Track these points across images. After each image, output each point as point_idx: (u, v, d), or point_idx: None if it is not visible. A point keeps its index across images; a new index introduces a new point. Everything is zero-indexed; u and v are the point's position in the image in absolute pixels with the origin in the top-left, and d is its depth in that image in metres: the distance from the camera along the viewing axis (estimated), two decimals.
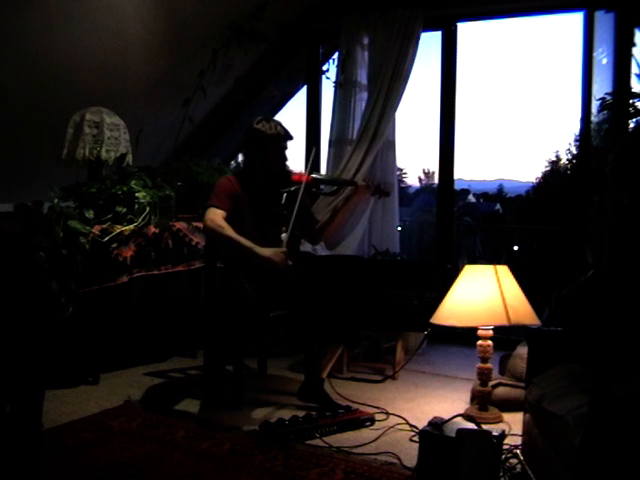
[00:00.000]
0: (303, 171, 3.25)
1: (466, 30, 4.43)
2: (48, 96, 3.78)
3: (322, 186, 3.66)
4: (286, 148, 3.25)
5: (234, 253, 3.04)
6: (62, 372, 3.22)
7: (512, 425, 2.77)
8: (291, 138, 3.25)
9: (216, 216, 2.99)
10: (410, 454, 2.44)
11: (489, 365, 2.92)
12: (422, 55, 4.34)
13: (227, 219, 3.01)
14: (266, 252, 2.94)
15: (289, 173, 3.26)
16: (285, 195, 3.12)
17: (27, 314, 2.32)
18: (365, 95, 4.48)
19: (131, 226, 3.40)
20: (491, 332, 2.91)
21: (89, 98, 3.83)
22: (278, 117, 5.28)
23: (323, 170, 4.50)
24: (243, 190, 3.15)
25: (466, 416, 2.68)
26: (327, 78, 4.70)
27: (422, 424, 2.31)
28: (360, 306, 3.54)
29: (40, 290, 2.88)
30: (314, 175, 3.30)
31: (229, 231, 2.96)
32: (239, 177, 3.22)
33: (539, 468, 2.12)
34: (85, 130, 3.66)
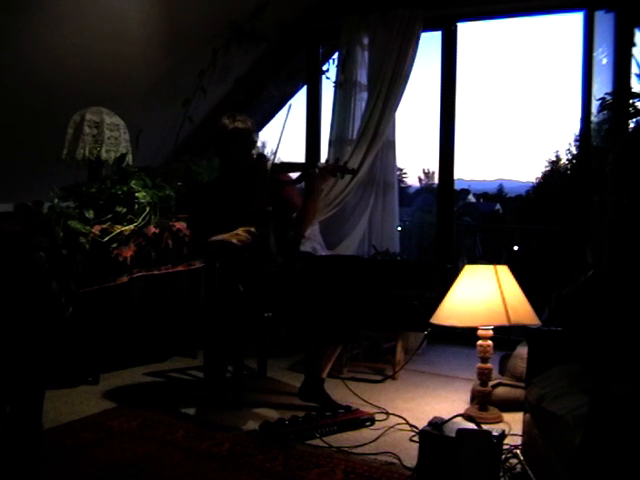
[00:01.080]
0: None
1: (466, 30, 4.44)
2: (48, 96, 3.78)
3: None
4: (250, 143, 3.16)
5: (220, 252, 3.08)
6: (62, 372, 3.22)
7: (512, 425, 2.77)
8: (253, 132, 3.16)
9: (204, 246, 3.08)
10: (410, 454, 2.44)
11: (489, 365, 2.92)
12: (422, 55, 4.35)
13: (212, 227, 3.04)
14: (222, 236, 2.97)
15: (264, 166, 3.15)
16: (257, 187, 3.09)
17: (27, 314, 2.32)
18: (365, 95, 4.48)
19: (131, 226, 3.40)
20: (491, 332, 2.91)
21: (89, 98, 3.83)
22: (278, 117, 5.30)
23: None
24: (215, 197, 3.15)
25: (466, 416, 2.68)
26: (327, 78, 4.70)
27: (422, 424, 2.31)
28: (360, 306, 3.54)
29: (40, 290, 2.87)
30: (277, 162, 3.20)
31: (213, 237, 3.01)
32: (209, 186, 3.25)
33: (539, 468, 2.12)
34: (85, 130, 3.66)
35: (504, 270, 2.94)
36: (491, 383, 2.96)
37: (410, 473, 2.27)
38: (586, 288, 2.19)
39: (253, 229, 2.98)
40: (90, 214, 3.34)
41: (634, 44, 3.72)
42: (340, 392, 3.14)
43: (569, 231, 4.14)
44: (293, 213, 3.27)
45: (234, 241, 2.95)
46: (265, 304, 3.03)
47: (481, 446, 2.01)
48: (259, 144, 3.58)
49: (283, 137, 3.11)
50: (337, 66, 4.55)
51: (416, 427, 2.71)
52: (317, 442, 2.59)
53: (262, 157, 3.22)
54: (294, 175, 3.29)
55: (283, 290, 3.06)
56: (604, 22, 3.87)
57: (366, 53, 4.48)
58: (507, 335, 3.96)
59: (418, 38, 4.28)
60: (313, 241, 4.20)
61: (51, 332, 2.95)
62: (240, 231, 2.97)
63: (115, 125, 3.77)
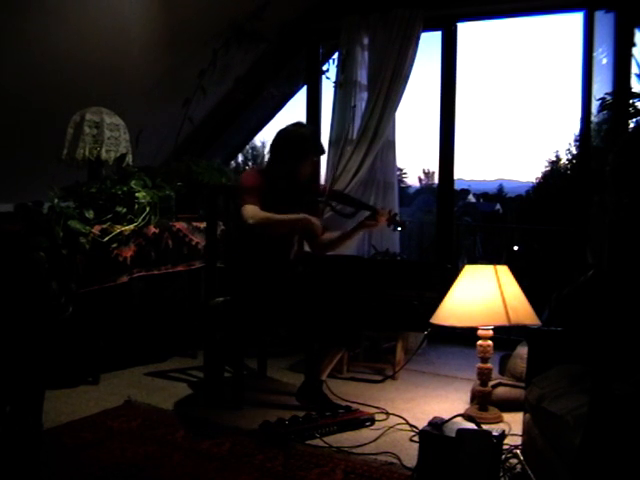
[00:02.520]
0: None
1: (466, 30, 4.43)
2: (48, 96, 3.78)
3: (339, 205, 3.48)
4: (315, 162, 3.28)
5: (245, 257, 3.12)
6: (62, 372, 3.22)
7: (512, 425, 2.77)
8: (323, 151, 3.27)
9: (254, 211, 2.97)
10: (410, 454, 2.44)
11: (489, 365, 2.92)
12: (422, 55, 4.34)
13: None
14: (302, 215, 3.02)
15: (312, 183, 3.28)
16: (305, 204, 3.13)
17: (27, 314, 2.32)
18: (365, 95, 4.48)
19: (131, 226, 3.40)
20: (491, 332, 2.91)
21: (89, 98, 3.83)
22: (278, 117, 5.31)
23: (323, 171, 4.50)
24: (267, 188, 3.11)
25: (466, 416, 2.68)
26: (327, 78, 4.70)
27: (422, 424, 2.31)
28: (360, 306, 3.54)
29: (40, 290, 2.88)
30: (334, 189, 3.31)
31: (274, 216, 2.97)
32: (265, 175, 3.16)
33: (539, 468, 2.12)
34: (85, 130, 3.66)
35: (504, 270, 2.94)
36: (491, 383, 2.96)
37: (410, 473, 2.27)
38: (586, 288, 2.20)
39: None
40: (90, 214, 3.34)
41: (634, 44, 3.72)
42: (340, 392, 3.14)
43: (569, 231, 4.13)
44: (315, 236, 3.26)
45: (314, 221, 3.00)
46: (274, 308, 3.02)
47: (481, 446, 2.01)
48: (258, 144, 3.59)
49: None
50: (337, 66, 4.54)
51: (416, 427, 2.71)
52: (317, 442, 2.59)
53: (315, 179, 3.30)
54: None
55: (286, 291, 3.05)
56: (604, 22, 3.87)
57: (366, 53, 4.48)
58: (507, 335, 3.96)
59: (418, 38, 4.27)
60: None
61: (51, 332, 2.95)
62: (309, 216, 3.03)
63: (115, 125, 3.77)
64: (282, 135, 3.16)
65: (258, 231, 3.00)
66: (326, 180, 4.25)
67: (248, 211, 2.96)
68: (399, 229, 3.53)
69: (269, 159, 3.29)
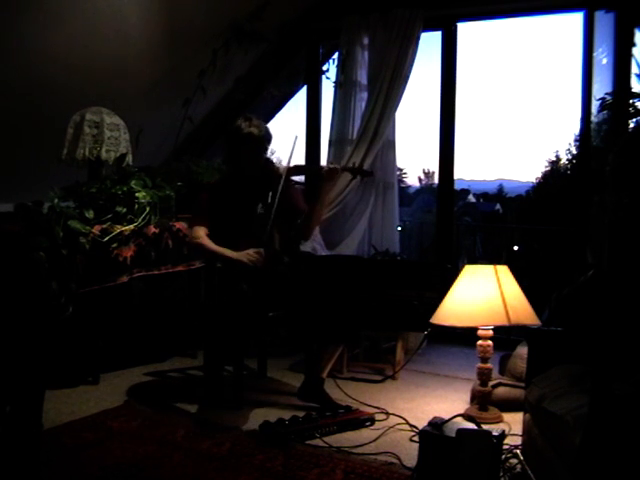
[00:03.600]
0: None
1: (466, 30, 4.44)
2: (48, 96, 3.78)
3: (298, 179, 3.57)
4: (261, 151, 3.16)
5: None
6: (62, 372, 3.22)
7: (512, 425, 2.77)
8: (266, 140, 3.16)
9: (196, 233, 3.13)
10: (410, 454, 2.44)
11: (489, 365, 2.92)
12: (422, 55, 4.34)
13: (211, 230, 3.11)
14: (234, 254, 3.01)
15: (272, 171, 3.20)
16: (270, 194, 3.09)
17: (27, 314, 2.32)
18: (365, 95, 4.48)
19: (131, 226, 3.40)
20: (491, 332, 2.91)
21: (89, 98, 3.83)
22: (278, 117, 5.30)
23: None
24: (224, 196, 3.17)
25: (466, 416, 2.68)
26: (327, 78, 4.70)
27: (422, 424, 2.31)
28: (360, 306, 3.54)
29: (40, 290, 2.88)
30: (289, 166, 3.22)
31: (203, 240, 3.10)
32: (219, 184, 3.26)
33: (539, 468, 2.12)
34: (85, 130, 3.66)
35: (504, 270, 2.94)
36: (491, 383, 2.96)
37: (410, 473, 2.27)
38: (586, 288, 2.20)
39: (262, 250, 3.01)
40: (90, 214, 3.34)
41: (634, 44, 3.72)
42: (340, 392, 3.14)
43: (569, 231, 4.13)
44: (298, 216, 3.28)
45: (245, 260, 2.99)
46: (270, 304, 3.03)
47: (481, 446, 2.01)
48: None
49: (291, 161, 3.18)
50: (337, 66, 4.55)
51: (416, 427, 2.71)
52: (317, 442, 2.59)
53: (269, 162, 3.25)
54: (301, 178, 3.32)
55: (285, 290, 3.06)
56: (604, 22, 3.87)
57: (366, 53, 4.48)
58: (507, 335, 3.96)
59: (418, 38, 4.28)
60: (313, 241, 4.20)
61: (51, 332, 2.95)
62: (252, 252, 3.00)
63: (115, 125, 3.76)
64: (228, 132, 3.20)
65: (193, 251, 3.34)
66: None
67: (191, 232, 3.20)
68: (365, 178, 3.49)
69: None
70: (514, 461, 2.33)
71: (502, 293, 2.84)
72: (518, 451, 2.38)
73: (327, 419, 2.75)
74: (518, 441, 2.46)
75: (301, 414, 2.78)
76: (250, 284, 2.97)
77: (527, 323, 2.81)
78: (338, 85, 4.52)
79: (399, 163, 5.80)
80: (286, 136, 3.27)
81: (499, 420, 2.87)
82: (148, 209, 3.52)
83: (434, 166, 4.59)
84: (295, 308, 3.03)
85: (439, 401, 3.21)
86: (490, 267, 2.94)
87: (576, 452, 1.60)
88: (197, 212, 3.24)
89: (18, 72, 3.58)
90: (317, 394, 3.02)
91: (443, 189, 4.52)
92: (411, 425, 2.79)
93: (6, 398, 2.11)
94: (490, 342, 2.91)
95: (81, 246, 3.21)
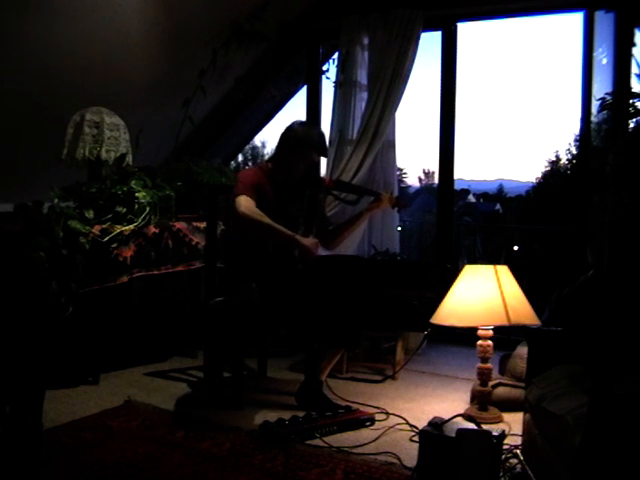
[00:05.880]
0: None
1: (466, 30, 4.44)
2: (48, 96, 3.78)
3: (343, 194, 3.67)
4: (314, 160, 3.28)
5: (247, 255, 3.09)
6: (62, 372, 3.22)
7: (512, 425, 2.77)
8: (323, 154, 3.30)
9: (249, 203, 2.98)
10: (410, 454, 2.44)
11: (489, 365, 2.92)
12: (422, 55, 4.34)
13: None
14: (306, 241, 2.99)
15: (317, 178, 3.32)
16: (307, 197, 3.17)
17: (27, 314, 2.32)
18: (365, 95, 4.48)
19: (131, 226, 3.40)
20: (491, 332, 2.91)
21: (89, 98, 3.83)
22: (278, 117, 5.31)
23: (321, 171, 4.50)
24: (267, 185, 3.15)
25: (466, 416, 2.68)
26: (327, 78, 4.70)
27: (422, 424, 2.32)
28: (360, 306, 3.54)
29: (40, 290, 2.87)
30: (336, 179, 3.34)
31: (267, 218, 2.95)
32: (264, 171, 3.22)
33: (539, 468, 2.12)
34: (85, 130, 3.66)
35: (504, 270, 2.94)
36: (491, 383, 2.96)
37: (410, 473, 2.27)
38: (586, 288, 2.20)
39: (317, 240, 3.05)
40: (90, 214, 3.34)
41: (634, 44, 3.72)
42: (339, 393, 3.14)
43: (569, 231, 4.13)
44: (326, 226, 3.38)
45: (313, 250, 2.99)
46: (277, 310, 3.02)
47: (481, 446, 2.01)
48: (258, 143, 3.62)
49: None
50: (337, 66, 4.54)
51: (416, 427, 2.71)
52: (317, 442, 2.59)
53: (317, 168, 3.32)
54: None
55: (287, 291, 3.05)
56: (604, 22, 3.87)
57: (366, 53, 4.48)
58: (507, 335, 3.96)
59: (418, 38, 4.27)
60: None
61: (51, 332, 2.95)
62: (315, 242, 3.03)
63: (115, 125, 3.77)
64: (287, 130, 3.22)
65: (243, 223, 3.01)
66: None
67: (242, 201, 2.97)
68: (402, 209, 3.80)
69: (274, 154, 3.34)
70: (514, 461, 2.33)
71: (502, 293, 2.84)
72: (518, 451, 2.38)
73: (327, 419, 2.75)
74: (518, 441, 2.46)
75: (301, 414, 2.78)
76: (260, 283, 2.97)
77: (527, 323, 2.81)
78: (338, 85, 4.52)
79: (399, 163, 5.81)
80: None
81: (499, 420, 2.87)
82: (148, 209, 3.52)
83: (434, 166, 4.60)
84: (297, 308, 3.02)
85: (439, 401, 3.21)
86: (490, 267, 2.94)
87: (576, 452, 1.60)
88: (245, 185, 3.06)
89: (18, 72, 3.58)
90: (315, 398, 3.00)
91: (443, 189, 4.52)
92: (411, 425, 2.79)
93: (6, 398, 2.11)
94: (490, 342, 2.91)
95: (81, 246, 3.21)
